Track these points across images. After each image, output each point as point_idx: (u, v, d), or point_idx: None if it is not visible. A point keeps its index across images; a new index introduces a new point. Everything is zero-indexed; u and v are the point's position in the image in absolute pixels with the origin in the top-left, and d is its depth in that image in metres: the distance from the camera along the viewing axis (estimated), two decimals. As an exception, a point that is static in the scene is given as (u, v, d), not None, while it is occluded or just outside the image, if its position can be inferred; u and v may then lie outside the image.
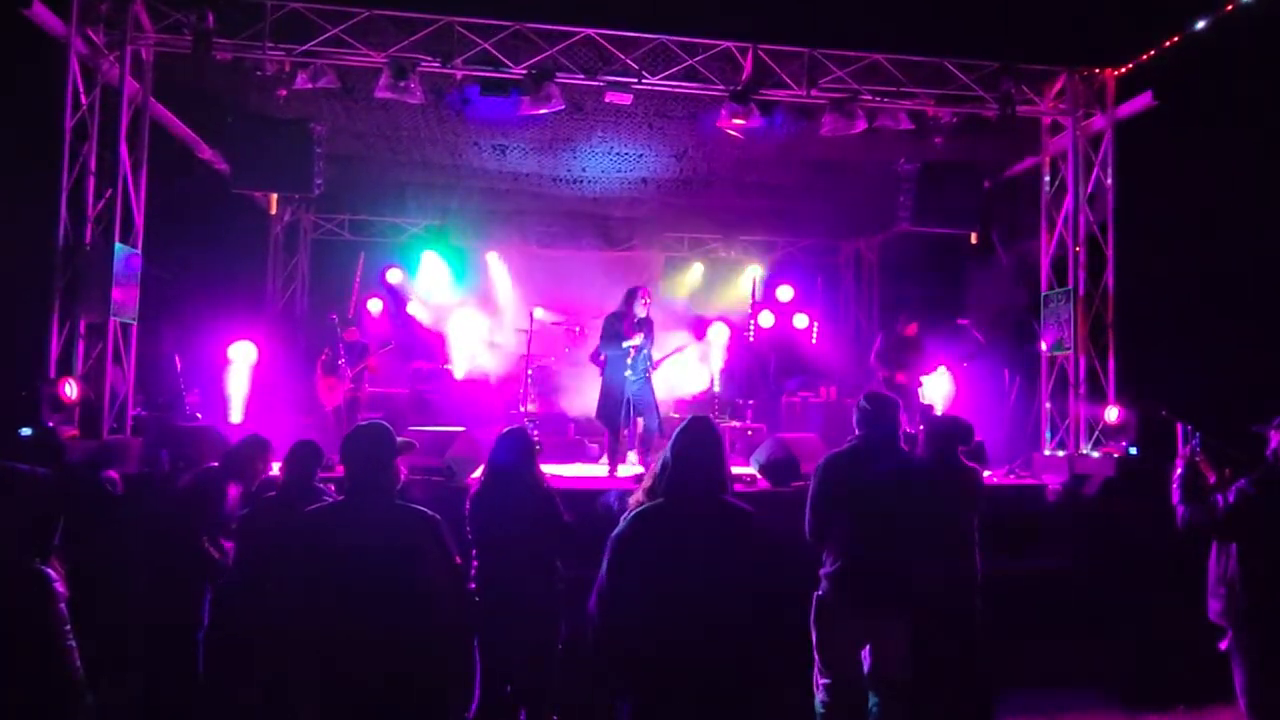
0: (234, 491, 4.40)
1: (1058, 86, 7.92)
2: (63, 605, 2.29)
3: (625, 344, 7.33)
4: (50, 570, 2.31)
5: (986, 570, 4.05)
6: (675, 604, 2.49)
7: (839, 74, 7.51)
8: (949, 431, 4.25)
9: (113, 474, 5.77)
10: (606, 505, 3.85)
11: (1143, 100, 7.45)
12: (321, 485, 4.14)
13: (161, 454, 6.40)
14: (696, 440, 2.69)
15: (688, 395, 10.65)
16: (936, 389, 9.12)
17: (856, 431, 3.67)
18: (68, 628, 2.28)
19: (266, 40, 6.89)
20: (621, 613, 2.55)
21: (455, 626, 3.09)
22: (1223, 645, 3.54)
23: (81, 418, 6.46)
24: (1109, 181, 7.76)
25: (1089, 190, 7.93)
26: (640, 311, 7.46)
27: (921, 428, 4.66)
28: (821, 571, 3.50)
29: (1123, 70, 7.72)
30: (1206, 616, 3.62)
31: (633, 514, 2.65)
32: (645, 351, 7.50)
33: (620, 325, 7.41)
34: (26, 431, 5.94)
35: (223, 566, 4.21)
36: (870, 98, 7.58)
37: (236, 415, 8.32)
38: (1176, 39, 7.13)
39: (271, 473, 4.87)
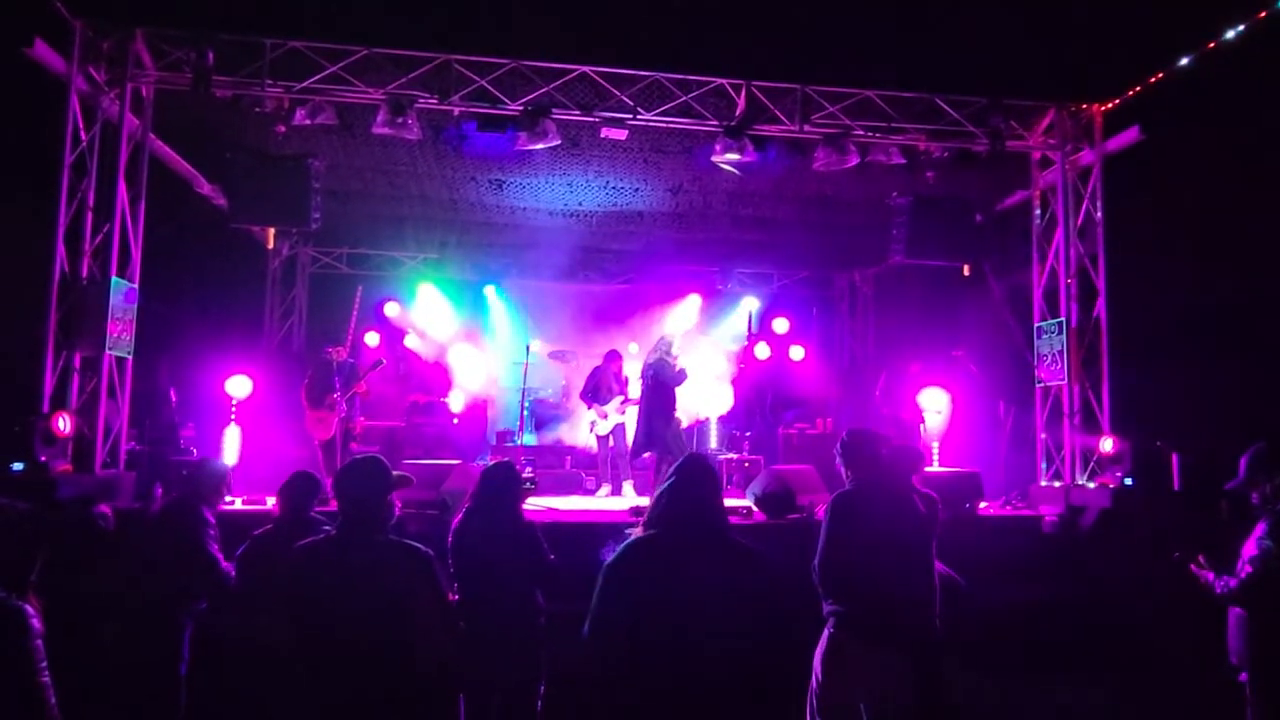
0: (210, 515, 4.41)
1: (1046, 122, 8.04)
2: (39, 641, 2.25)
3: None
4: (28, 606, 2.28)
5: (987, 603, 4.02)
6: (665, 633, 2.57)
7: (831, 110, 7.62)
8: (907, 459, 4.28)
9: (105, 509, 5.75)
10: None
11: (1130, 135, 7.56)
12: (319, 518, 4.12)
13: (155, 489, 6.36)
14: (692, 478, 2.84)
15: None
16: (934, 415, 9.10)
17: (843, 470, 3.71)
18: (44, 664, 2.24)
19: (266, 78, 6.98)
20: (613, 641, 2.63)
21: (444, 663, 3.05)
22: (1243, 677, 3.56)
23: (75, 452, 6.41)
24: (1098, 214, 7.83)
25: (1079, 222, 8.01)
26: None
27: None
28: (829, 610, 3.49)
29: (1110, 105, 7.85)
30: (1203, 642, 3.63)
31: (625, 543, 2.75)
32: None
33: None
34: (18, 466, 5.93)
35: (226, 574, 4.17)
36: (862, 133, 7.69)
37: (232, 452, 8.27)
38: (1162, 75, 7.24)
39: (266, 505, 4.83)
